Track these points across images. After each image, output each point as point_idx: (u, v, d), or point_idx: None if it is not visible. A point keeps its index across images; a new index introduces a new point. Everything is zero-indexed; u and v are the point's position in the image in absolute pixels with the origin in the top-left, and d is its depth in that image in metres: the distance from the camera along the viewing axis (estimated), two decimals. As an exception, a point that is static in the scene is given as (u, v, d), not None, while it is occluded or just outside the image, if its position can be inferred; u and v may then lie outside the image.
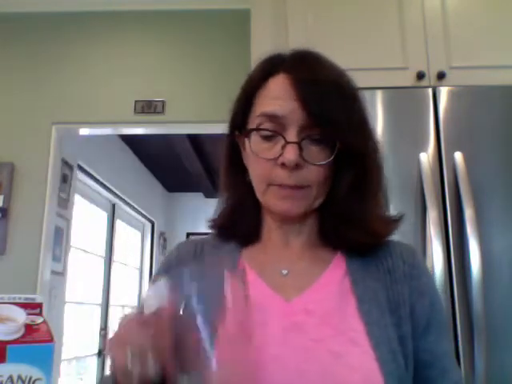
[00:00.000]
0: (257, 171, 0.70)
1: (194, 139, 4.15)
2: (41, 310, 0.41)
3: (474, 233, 1.37)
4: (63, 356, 3.05)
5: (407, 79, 1.68)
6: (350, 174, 0.69)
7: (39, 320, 0.40)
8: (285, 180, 0.66)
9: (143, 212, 5.02)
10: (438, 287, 0.75)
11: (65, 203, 2.79)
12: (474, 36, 1.72)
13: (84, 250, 3.81)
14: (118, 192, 4.20)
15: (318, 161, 0.66)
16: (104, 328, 4.17)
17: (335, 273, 0.69)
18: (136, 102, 2.59)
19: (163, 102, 2.58)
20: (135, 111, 2.59)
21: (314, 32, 1.75)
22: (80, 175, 3.31)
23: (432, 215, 1.40)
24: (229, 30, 2.63)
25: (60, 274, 2.75)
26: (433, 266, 1.36)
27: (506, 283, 1.39)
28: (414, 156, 1.49)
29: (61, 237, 2.74)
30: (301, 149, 0.65)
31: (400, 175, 1.49)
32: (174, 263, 0.76)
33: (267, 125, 0.67)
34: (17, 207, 2.48)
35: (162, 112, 2.58)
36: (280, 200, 0.67)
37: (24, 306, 0.41)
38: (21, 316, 0.38)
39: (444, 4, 1.76)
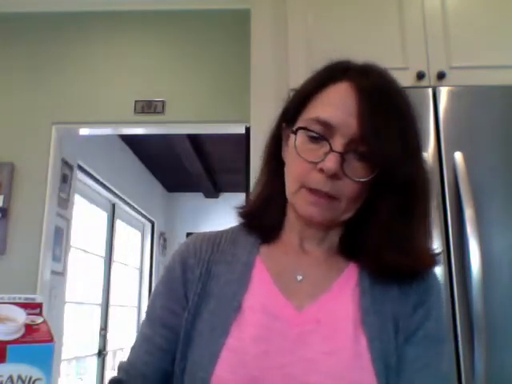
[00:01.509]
0: (294, 170, 0.69)
1: (194, 139, 4.15)
2: (41, 310, 0.42)
3: (474, 233, 1.37)
4: (63, 356, 3.05)
5: (407, 79, 1.68)
6: (394, 198, 0.67)
7: (39, 320, 0.40)
8: (318, 185, 0.65)
9: (143, 212, 5.02)
10: (442, 306, 0.72)
11: (65, 203, 2.79)
12: (474, 36, 1.72)
13: (84, 250, 3.81)
14: (117, 192, 4.20)
15: (357, 177, 0.65)
16: (104, 328, 4.17)
17: (348, 282, 0.69)
18: (136, 102, 2.59)
19: (163, 102, 2.58)
20: (135, 111, 2.59)
21: (314, 32, 1.75)
22: (80, 175, 3.31)
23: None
24: (229, 30, 2.63)
25: (60, 274, 2.75)
26: (433, 266, 1.36)
27: (506, 283, 1.39)
28: (414, 156, 1.49)
29: (61, 237, 2.74)
30: (343, 160, 0.64)
31: (400, 175, 1.49)
32: (193, 256, 0.74)
33: (317, 128, 0.66)
34: (17, 207, 2.48)
35: (162, 112, 2.58)
36: (307, 204, 0.67)
37: (24, 306, 0.41)
38: (21, 316, 0.38)
39: (444, 4, 1.76)
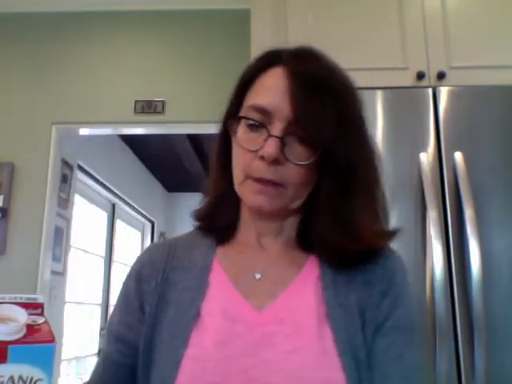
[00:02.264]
0: (238, 161, 0.68)
1: (194, 139, 4.15)
2: (42, 310, 0.42)
3: (474, 233, 1.37)
4: (63, 356, 3.05)
5: (407, 79, 1.68)
6: (333, 181, 0.66)
7: (41, 320, 0.40)
8: (261, 173, 0.64)
9: (143, 212, 5.02)
10: (409, 291, 0.70)
11: (65, 203, 2.79)
12: (474, 36, 1.72)
13: (84, 250, 3.81)
14: (118, 192, 4.20)
15: (299, 160, 0.64)
16: (104, 328, 4.17)
17: (309, 277, 0.67)
18: (136, 102, 2.59)
19: (163, 102, 2.58)
20: (135, 111, 2.59)
21: (314, 32, 1.75)
22: (80, 175, 3.31)
23: (432, 215, 1.40)
24: (229, 29, 2.63)
25: (60, 274, 2.75)
26: (433, 266, 1.36)
27: (506, 283, 1.39)
28: (414, 156, 1.49)
29: (61, 237, 2.74)
30: (284, 145, 0.63)
31: (400, 175, 1.49)
32: (148, 266, 0.73)
33: (255, 115, 0.65)
34: (17, 207, 2.48)
35: (162, 112, 2.58)
36: (254, 194, 0.65)
37: (25, 306, 0.41)
38: (22, 316, 0.38)
39: (444, 4, 1.76)
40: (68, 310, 3.17)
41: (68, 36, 2.71)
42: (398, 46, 1.73)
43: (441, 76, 1.66)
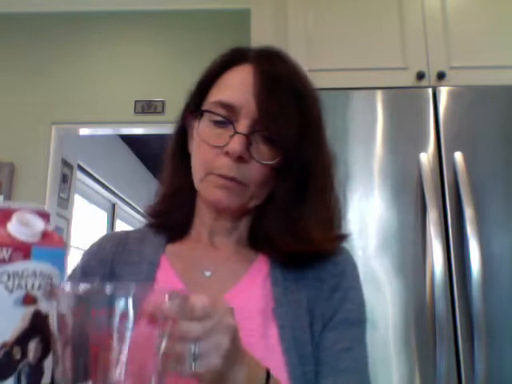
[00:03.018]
0: (200, 157, 0.67)
1: (194, 139, 4.15)
2: (49, 219, 0.48)
3: (474, 233, 1.37)
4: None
5: (407, 79, 1.68)
6: (289, 182, 0.65)
7: (50, 227, 0.46)
8: (225, 170, 0.63)
9: (143, 212, 5.01)
10: (360, 287, 0.69)
11: (65, 203, 2.79)
12: (473, 36, 1.72)
13: (84, 250, 3.81)
14: (118, 192, 4.20)
15: (263, 159, 0.64)
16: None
17: (258, 274, 0.67)
18: (136, 102, 2.59)
19: (163, 102, 2.58)
20: (135, 111, 2.59)
21: (314, 32, 1.75)
22: (80, 175, 3.31)
23: (432, 215, 1.40)
24: (229, 29, 2.63)
25: (60, 274, 2.75)
26: (433, 266, 1.36)
27: (506, 283, 1.39)
28: (414, 156, 1.49)
29: (61, 237, 2.74)
30: (249, 143, 0.63)
31: (400, 175, 1.49)
32: (95, 257, 0.72)
33: (221, 111, 0.65)
34: (17, 207, 2.48)
35: (162, 112, 2.58)
36: (215, 188, 0.64)
37: (37, 213, 0.47)
38: (40, 222, 0.45)
39: (444, 4, 1.76)
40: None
41: (68, 36, 2.71)
42: (397, 45, 1.73)
43: (441, 76, 1.66)
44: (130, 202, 4.60)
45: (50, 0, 2.69)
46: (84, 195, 3.72)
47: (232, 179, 0.63)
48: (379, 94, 1.58)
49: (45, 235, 0.45)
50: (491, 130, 1.52)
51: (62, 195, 2.72)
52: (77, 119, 2.63)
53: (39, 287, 0.43)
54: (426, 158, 1.48)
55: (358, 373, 0.62)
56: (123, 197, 4.37)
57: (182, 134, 0.74)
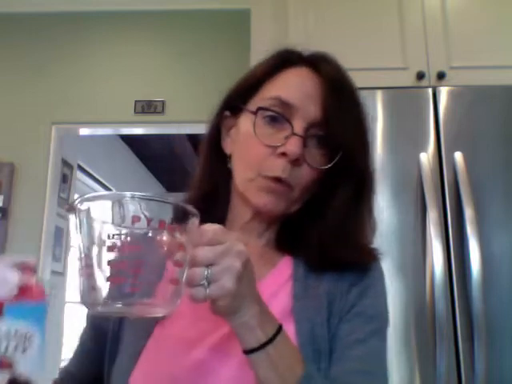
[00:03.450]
0: (249, 156, 0.64)
1: (193, 139, 4.15)
2: (34, 270, 0.44)
3: (474, 233, 1.37)
4: (63, 356, 3.05)
5: (407, 79, 1.68)
6: (346, 190, 0.65)
7: (32, 280, 0.43)
8: (279, 172, 0.61)
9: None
10: (382, 288, 0.67)
11: (65, 203, 2.79)
12: (473, 36, 1.72)
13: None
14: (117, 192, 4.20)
15: (316, 164, 0.63)
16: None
17: (282, 274, 0.66)
18: (136, 102, 2.59)
19: (163, 102, 2.58)
20: (135, 111, 2.59)
21: (314, 32, 1.75)
22: (80, 175, 3.31)
23: (432, 215, 1.40)
24: (229, 29, 2.63)
25: (60, 274, 2.75)
26: (433, 266, 1.36)
27: (506, 283, 1.39)
28: (414, 156, 1.49)
29: (61, 237, 2.74)
30: (305, 145, 0.62)
31: (400, 175, 1.49)
32: None
33: (277, 109, 0.63)
34: (17, 207, 2.48)
35: (162, 112, 2.58)
36: (263, 192, 0.63)
37: (18, 266, 0.43)
38: (15, 277, 0.41)
39: (444, 4, 1.76)
40: (68, 310, 3.16)
41: (68, 36, 2.71)
42: (398, 45, 1.73)
43: (441, 76, 1.66)
44: (130, 202, 4.60)
45: (49, 0, 2.69)
46: (84, 195, 3.71)
47: (282, 182, 0.62)
48: (379, 94, 1.58)
49: (23, 290, 0.41)
50: (491, 130, 1.52)
51: (62, 195, 2.72)
52: (77, 119, 2.63)
53: (16, 348, 0.40)
54: (426, 158, 1.48)
55: (370, 364, 0.59)
56: (123, 197, 4.37)
57: (217, 132, 0.72)
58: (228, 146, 0.70)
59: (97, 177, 3.71)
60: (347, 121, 0.63)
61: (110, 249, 0.42)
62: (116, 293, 0.43)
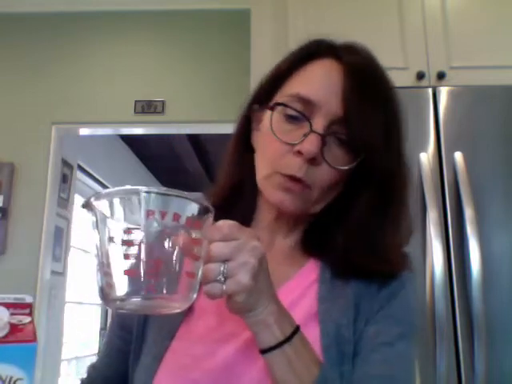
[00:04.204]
0: (267, 153, 0.62)
1: (193, 139, 4.15)
2: (30, 310, 0.42)
3: (474, 233, 1.37)
4: (63, 356, 3.05)
5: (407, 79, 1.68)
6: (369, 193, 0.61)
7: (26, 320, 0.41)
8: (294, 170, 0.59)
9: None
10: (410, 297, 0.64)
11: (65, 203, 2.79)
12: (474, 36, 1.72)
13: (84, 250, 3.81)
14: (118, 192, 4.20)
15: (336, 164, 0.59)
16: (104, 328, 4.17)
17: (308, 276, 0.64)
18: (136, 102, 2.59)
19: (163, 102, 2.58)
20: (135, 111, 2.59)
21: (314, 32, 1.75)
22: (80, 175, 3.31)
23: (432, 215, 1.40)
24: (229, 29, 2.63)
25: (60, 274, 2.75)
26: (433, 266, 1.36)
27: (506, 283, 1.39)
28: (414, 156, 1.49)
29: (61, 237, 2.74)
30: (324, 144, 0.58)
31: (400, 175, 1.49)
32: None
33: (297, 105, 0.60)
34: (17, 207, 2.48)
35: (162, 112, 2.58)
36: (279, 190, 0.60)
37: (13, 305, 0.41)
38: (4, 315, 0.39)
39: (444, 4, 1.76)
40: (68, 310, 3.17)
41: (68, 36, 2.71)
42: (398, 45, 1.73)
43: (441, 76, 1.66)
44: (130, 202, 4.60)
45: (49, 0, 2.69)
46: (84, 195, 3.72)
47: (298, 181, 0.59)
48: (379, 94, 1.58)
49: (12, 330, 0.39)
50: (491, 130, 1.52)
51: (62, 195, 2.72)
52: (77, 119, 2.63)
53: None
54: (426, 158, 1.48)
55: (394, 368, 0.56)
56: (123, 197, 4.37)
57: (246, 126, 0.69)
58: (255, 140, 0.68)
59: (97, 177, 3.71)
60: (370, 118, 0.58)
61: (126, 244, 0.43)
62: (133, 289, 0.44)
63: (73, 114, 2.62)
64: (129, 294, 0.44)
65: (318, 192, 0.61)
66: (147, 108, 2.59)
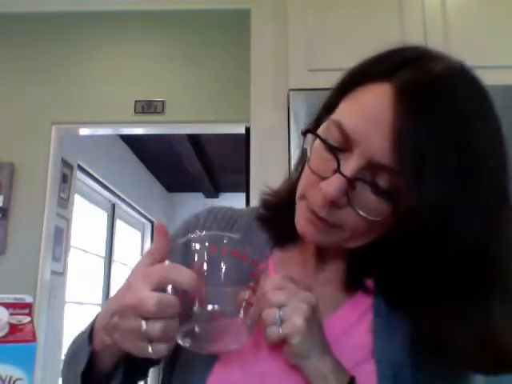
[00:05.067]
0: (304, 175, 0.56)
1: (194, 139, 4.15)
2: (30, 310, 0.42)
3: (474, 233, 1.36)
4: (63, 356, 3.05)
5: (407, 79, 1.68)
6: (445, 271, 0.49)
7: (26, 320, 0.41)
8: (316, 207, 0.52)
9: (143, 212, 5.02)
10: None
11: (65, 203, 2.79)
12: (474, 36, 1.72)
13: (84, 250, 3.81)
14: (117, 192, 4.20)
15: (367, 212, 0.50)
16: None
17: (359, 305, 0.59)
18: (136, 102, 2.59)
19: (163, 102, 2.58)
20: (135, 111, 2.59)
21: (313, 32, 1.75)
22: (80, 175, 3.31)
23: (432, 215, 1.39)
24: (229, 29, 2.63)
25: (60, 274, 2.75)
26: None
27: (505, 283, 1.39)
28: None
29: (61, 237, 2.74)
30: (353, 187, 0.50)
31: (400, 175, 1.49)
32: (202, 226, 0.66)
33: (336, 135, 0.51)
34: (17, 207, 2.48)
35: (162, 112, 2.58)
36: (303, 220, 0.55)
37: (12, 305, 0.41)
38: (3, 315, 0.39)
39: (444, 4, 1.76)
40: (68, 310, 3.17)
41: (68, 36, 2.71)
42: (397, 45, 1.73)
43: (441, 76, 1.66)
44: (130, 202, 4.60)
45: (50, 0, 2.69)
46: (84, 195, 3.72)
47: (321, 219, 0.53)
48: (379, 94, 1.58)
49: (11, 330, 0.39)
50: (491, 130, 1.52)
51: (62, 195, 2.72)
52: (77, 119, 2.63)
53: None
54: None
55: None
56: (123, 197, 4.37)
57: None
58: None
59: (97, 177, 3.71)
60: (432, 171, 0.45)
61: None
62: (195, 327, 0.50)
63: (73, 114, 2.62)
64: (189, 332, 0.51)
65: (352, 233, 0.53)
66: (147, 108, 2.59)
